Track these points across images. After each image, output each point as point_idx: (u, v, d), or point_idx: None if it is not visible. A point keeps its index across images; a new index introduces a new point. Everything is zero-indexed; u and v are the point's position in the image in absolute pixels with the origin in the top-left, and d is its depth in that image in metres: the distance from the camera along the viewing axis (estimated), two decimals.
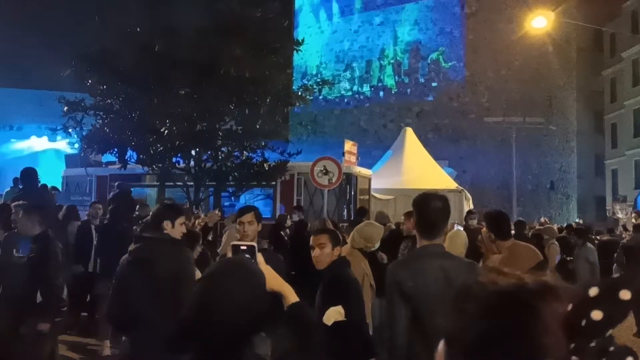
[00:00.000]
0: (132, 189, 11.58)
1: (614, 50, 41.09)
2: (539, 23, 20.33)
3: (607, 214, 37.41)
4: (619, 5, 39.28)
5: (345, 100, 33.66)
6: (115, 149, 13.05)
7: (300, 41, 15.58)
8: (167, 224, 4.28)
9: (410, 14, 32.49)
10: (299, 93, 15.08)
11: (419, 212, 3.38)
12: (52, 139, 21.62)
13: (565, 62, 34.20)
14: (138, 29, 12.77)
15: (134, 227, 8.09)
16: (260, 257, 2.31)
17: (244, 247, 2.36)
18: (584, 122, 39.72)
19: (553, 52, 32.45)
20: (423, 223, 3.38)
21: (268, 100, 13.67)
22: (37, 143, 23.18)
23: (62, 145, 20.95)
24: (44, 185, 9.58)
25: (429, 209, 3.35)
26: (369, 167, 19.13)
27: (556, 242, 10.60)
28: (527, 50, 30.94)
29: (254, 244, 2.40)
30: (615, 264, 11.84)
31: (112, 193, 10.82)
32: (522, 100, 30.86)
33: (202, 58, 12.41)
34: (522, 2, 30.65)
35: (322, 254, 4.13)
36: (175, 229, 4.32)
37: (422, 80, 32.02)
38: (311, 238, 4.30)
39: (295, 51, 16.04)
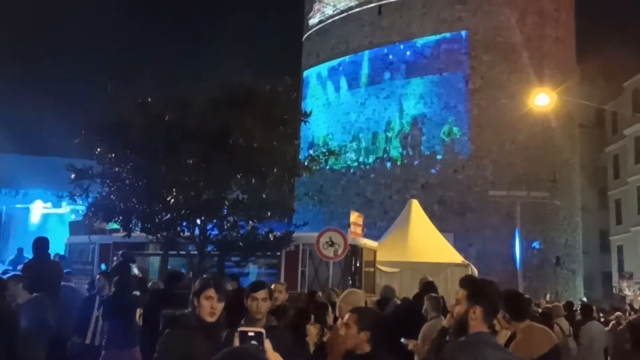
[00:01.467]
0: (135, 258, 11.49)
1: (616, 127, 41.59)
2: (542, 101, 20.66)
3: (614, 291, 36.93)
4: (620, 83, 40.04)
5: (352, 170, 33.90)
6: (120, 217, 13.00)
7: (308, 113, 15.76)
8: (194, 301, 4.01)
9: (416, 88, 33.13)
10: (306, 163, 15.11)
11: (491, 298, 3.33)
12: (57, 205, 21.66)
13: (568, 138, 34.55)
14: (150, 100, 12.98)
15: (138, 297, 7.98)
16: (267, 344, 2.23)
17: (252, 334, 2.28)
18: (588, 197, 39.74)
19: (556, 128, 32.84)
20: (493, 310, 3.33)
21: (275, 170, 13.69)
22: (42, 208, 23.20)
23: (66, 210, 20.96)
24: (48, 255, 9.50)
25: (500, 296, 3.33)
26: (375, 238, 19.00)
27: (558, 323, 10.36)
28: (530, 126, 31.34)
29: (262, 330, 2.31)
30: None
31: (115, 262, 10.71)
32: (526, 174, 31.01)
33: (212, 128, 12.57)
34: (525, 80, 31.28)
35: (346, 334, 3.78)
36: (201, 305, 3.95)
37: (427, 152, 32.30)
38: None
39: (303, 123, 16.17)
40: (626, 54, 36.29)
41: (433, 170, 32.01)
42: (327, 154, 16.15)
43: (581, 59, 36.89)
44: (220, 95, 13.06)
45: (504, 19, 33.27)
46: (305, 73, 37.73)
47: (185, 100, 12.92)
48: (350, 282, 15.56)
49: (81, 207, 13.82)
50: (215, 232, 13.73)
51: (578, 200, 36.02)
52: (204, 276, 4.38)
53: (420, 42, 33.61)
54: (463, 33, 33.26)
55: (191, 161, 12.92)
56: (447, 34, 33.39)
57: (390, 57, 34.11)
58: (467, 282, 3.56)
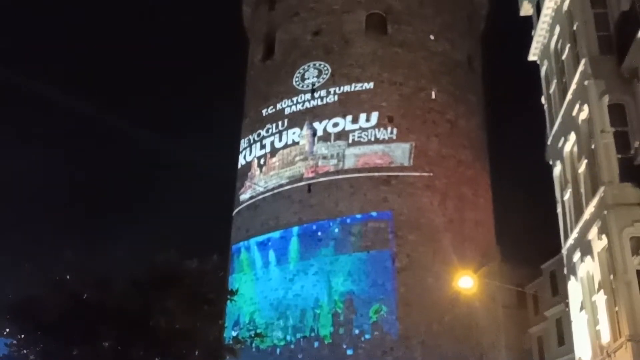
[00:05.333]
0: None
1: (538, 308, 42.66)
2: (465, 283, 21.27)
3: None
4: (538, 265, 41.80)
5: (278, 350, 32.68)
6: None
7: (235, 291, 15.58)
8: None
9: (344, 265, 33.43)
10: (230, 344, 14.59)
11: None
12: None
13: (492, 319, 35.04)
14: (68, 277, 12.51)
15: None
16: None
17: None
18: None
19: (480, 309, 33.34)
20: None
21: (197, 353, 13.10)
22: None
23: None
24: None
25: None
26: None
27: None
28: (456, 307, 31.73)
29: None
30: None
31: None
32: (454, 356, 30.81)
33: (132, 309, 12.09)
34: (448, 261, 32.30)
35: None
36: None
37: (356, 331, 31.82)
38: None
39: (229, 301, 15.85)
40: (542, 237, 38.37)
41: (361, 351, 31.33)
42: (253, 335, 15.70)
43: (500, 242, 38.67)
44: (143, 275, 12.77)
45: (426, 202, 34.97)
46: (234, 247, 37.68)
47: (105, 279, 12.54)
48: None
49: None
50: None
51: None
52: None
53: (348, 220, 34.58)
54: (389, 213, 34.54)
55: (107, 344, 12.22)
56: (374, 213, 34.60)
57: (319, 234, 34.73)
58: None
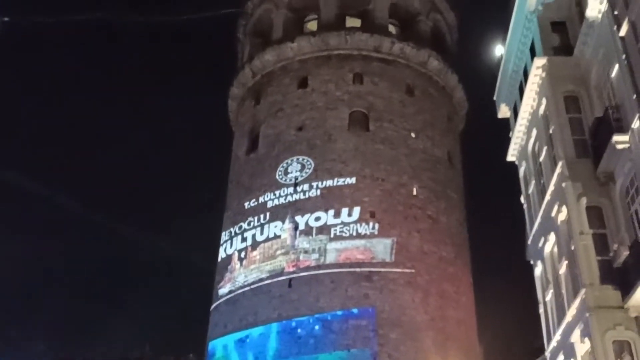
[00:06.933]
0: None
1: None
2: None
3: None
4: None
5: None
6: None
7: None
8: None
9: None
10: None
11: None
12: None
13: None
14: None
15: None
16: None
17: None
18: None
19: None
20: None
21: None
22: None
23: None
24: None
25: None
26: None
27: None
28: None
29: None
30: None
31: None
32: None
33: None
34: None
35: None
36: None
37: None
38: None
39: None
40: (525, 336, 37.81)
41: None
42: None
43: (483, 341, 37.95)
44: None
45: (408, 299, 34.50)
46: (211, 345, 36.48)
47: None
48: None
49: None
50: None
51: None
52: None
53: (328, 316, 33.88)
54: (370, 310, 33.95)
55: None
56: (355, 310, 33.99)
57: (299, 330, 33.90)
58: None
